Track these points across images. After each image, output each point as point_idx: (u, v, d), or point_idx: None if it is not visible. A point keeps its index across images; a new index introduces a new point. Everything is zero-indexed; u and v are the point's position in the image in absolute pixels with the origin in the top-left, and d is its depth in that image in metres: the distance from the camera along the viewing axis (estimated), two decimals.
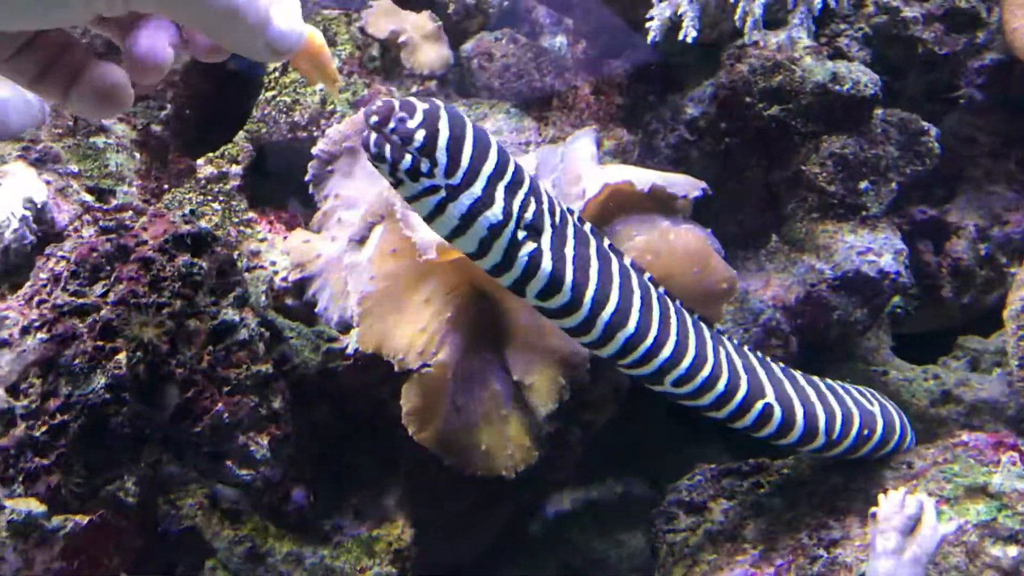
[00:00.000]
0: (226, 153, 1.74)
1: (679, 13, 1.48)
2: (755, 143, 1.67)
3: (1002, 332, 1.63)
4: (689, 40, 1.47)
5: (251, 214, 1.69)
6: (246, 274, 1.56)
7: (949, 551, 1.40)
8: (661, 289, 1.31)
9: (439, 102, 1.14)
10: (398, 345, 1.43)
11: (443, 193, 1.12)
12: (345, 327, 1.55)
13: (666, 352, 1.28)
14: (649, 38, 1.50)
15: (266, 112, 1.75)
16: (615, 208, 1.49)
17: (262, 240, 1.65)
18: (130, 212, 1.57)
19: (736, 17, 1.51)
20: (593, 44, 1.82)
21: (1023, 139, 1.84)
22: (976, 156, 1.85)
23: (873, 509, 1.39)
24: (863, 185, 1.63)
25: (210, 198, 1.68)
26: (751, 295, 1.67)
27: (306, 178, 1.68)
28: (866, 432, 1.45)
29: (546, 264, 1.18)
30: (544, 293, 1.20)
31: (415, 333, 1.43)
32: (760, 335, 1.63)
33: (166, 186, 1.75)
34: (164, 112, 1.88)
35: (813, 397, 1.41)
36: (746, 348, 1.41)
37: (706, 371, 1.31)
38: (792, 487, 1.55)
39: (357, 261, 1.55)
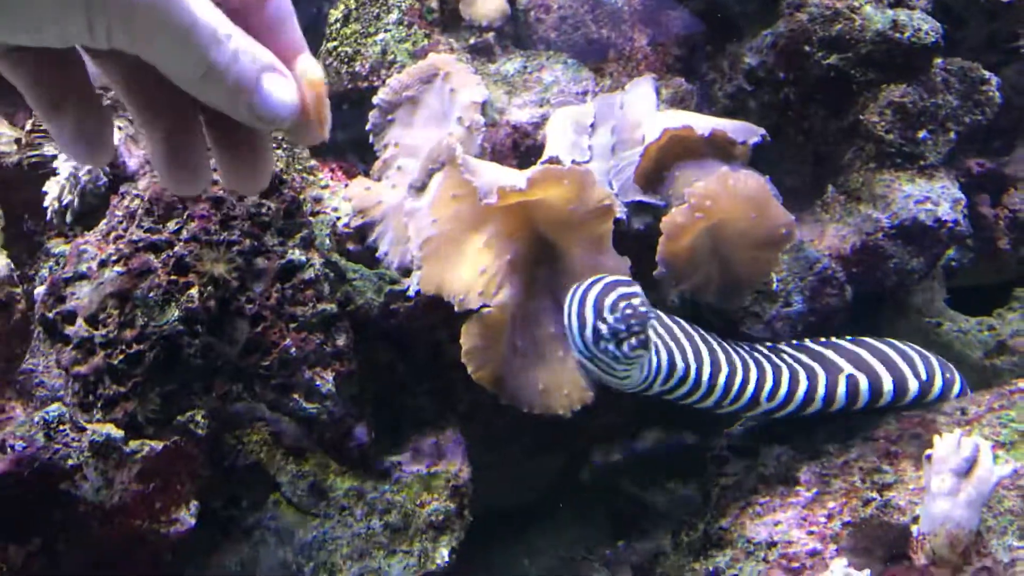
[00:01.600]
0: None
1: None
2: (814, 93, 1.67)
3: None
4: None
5: (313, 162, 1.72)
6: (311, 219, 1.60)
7: (1004, 494, 1.41)
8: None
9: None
10: (458, 286, 1.46)
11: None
12: (406, 271, 1.58)
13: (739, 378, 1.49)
14: None
15: (328, 63, 1.78)
16: (675, 154, 1.51)
17: (324, 187, 1.68)
18: None
19: None
20: None
21: None
22: None
23: (928, 451, 1.40)
24: (921, 134, 1.62)
25: (273, 145, 1.71)
26: (806, 245, 1.67)
27: (367, 127, 1.71)
28: (948, 375, 1.54)
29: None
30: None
31: (475, 275, 1.46)
32: (815, 284, 1.64)
33: None
34: None
35: (886, 355, 1.54)
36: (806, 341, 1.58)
37: (779, 377, 1.51)
38: (844, 433, 1.56)
39: (417, 207, 1.58)
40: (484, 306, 1.44)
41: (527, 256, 1.50)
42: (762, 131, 1.51)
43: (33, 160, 1.57)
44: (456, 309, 1.45)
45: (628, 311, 1.31)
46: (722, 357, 1.48)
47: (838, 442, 1.55)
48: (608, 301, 1.34)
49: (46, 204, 1.50)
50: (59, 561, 1.25)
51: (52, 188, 1.50)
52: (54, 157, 1.56)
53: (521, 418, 1.57)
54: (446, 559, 1.48)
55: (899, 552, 1.42)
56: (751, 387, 1.48)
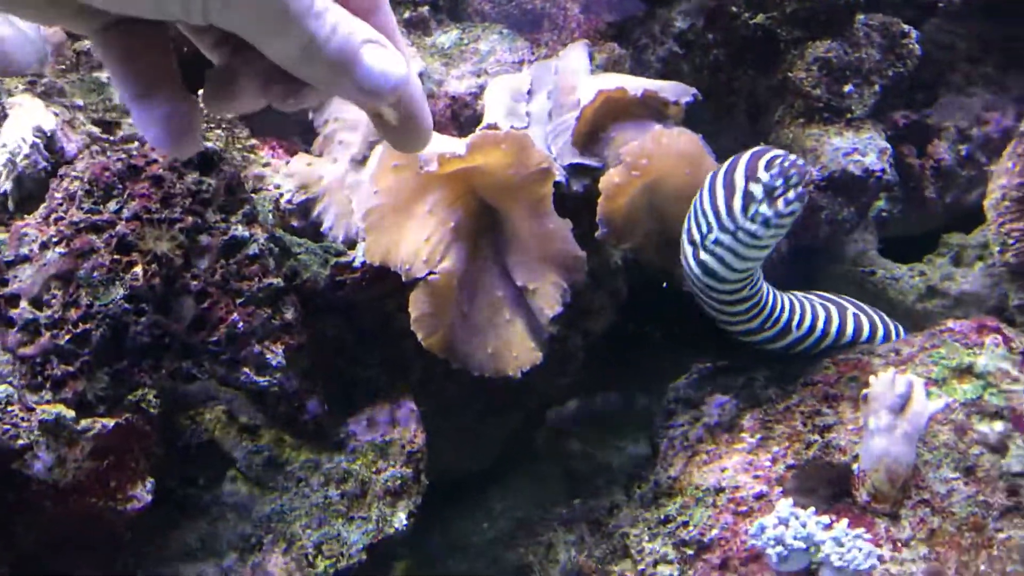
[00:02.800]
0: None
1: None
2: (742, 52, 1.71)
3: (984, 227, 1.69)
4: None
5: (253, 140, 1.73)
6: (254, 196, 1.60)
7: (939, 429, 1.47)
8: None
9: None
10: (404, 255, 1.48)
11: None
12: (351, 244, 1.60)
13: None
14: None
15: None
16: (610, 115, 1.54)
17: (265, 165, 1.69)
18: (136, 143, 1.61)
19: None
20: None
21: (1000, 43, 1.88)
22: (955, 61, 1.90)
23: (865, 391, 1.46)
24: (847, 88, 1.67)
25: (212, 125, 1.72)
26: None
27: None
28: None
29: None
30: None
31: (420, 243, 1.48)
32: None
33: None
34: None
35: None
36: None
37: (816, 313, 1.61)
38: (784, 379, 1.61)
39: (360, 179, 1.60)
40: (430, 273, 1.46)
41: (471, 222, 1.52)
42: (694, 91, 1.55)
43: None
44: (403, 278, 1.47)
45: (786, 163, 1.30)
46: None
47: (779, 388, 1.60)
48: (762, 162, 1.33)
49: None
50: (16, 543, 1.26)
51: None
52: None
53: (473, 383, 1.60)
54: (404, 523, 1.51)
55: (842, 490, 1.48)
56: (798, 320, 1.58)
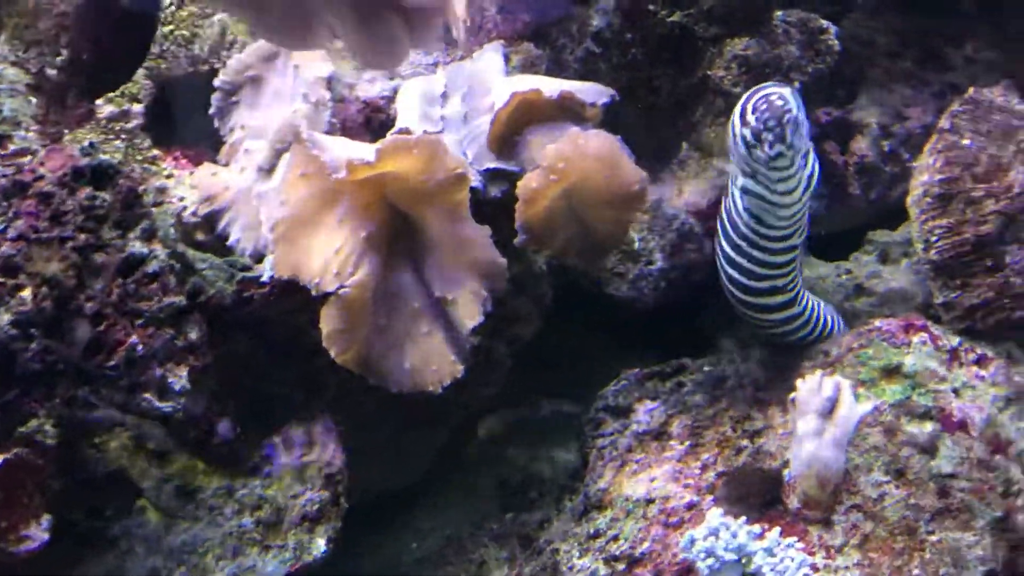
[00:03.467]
0: (126, 92, 1.69)
1: None
2: (661, 51, 1.68)
3: (908, 224, 1.68)
4: None
5: (155, 151, 1.65)
6: (154, 209, 1.53)
7: (868, 431, 1.45)
8: None
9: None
10: (314, 268, 1.41)
11: (801, 162, 1.37)
12: (259, 257, 1.53)
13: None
14: None
15: (165, 47, 1.70)
16: (526, 118, 1.49)
17: (168, 176, 1.61)
18: (29, 156, 1.52)
19: None
20: None
21: (918, 38, 1.88)
22: (875, 57, 1.89)
23: (792, 395, 1.43)
24: None
25: (112, 136, 1.63)
26: (665, 203, 1.69)
27: (210, 111, 1.65)
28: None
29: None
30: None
31: (331, 255, 1.42)
32: (675, 240, 1.66)
33: (65, 130, 1.70)
34: (60, 57, 1.81)
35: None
36: None
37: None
38: (713, 384, 1.58)
39: (267, 189, 1.53)
40: (342, 286, 1.40)
41: (384, 231, 1.46)
42: (612, 92, 1.51)
43: None
44: (313, 292, 1.40)
45: (763, 105, 1.31)
46: None
47: (708, 393, 1.57)
48: (751, 104, 1.33)
49: None
50: None
51: None
52: None
53: (393, 397, 1.54)
54: (323, 549, 1.45)
55: (774, 497, 1.46)
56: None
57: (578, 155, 1.40)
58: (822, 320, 1.60)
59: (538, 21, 1.80)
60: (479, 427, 1.99)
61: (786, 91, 1.33)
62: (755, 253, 1.47)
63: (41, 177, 1.32)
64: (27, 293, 1.25)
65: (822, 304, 1.63)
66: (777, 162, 1.32)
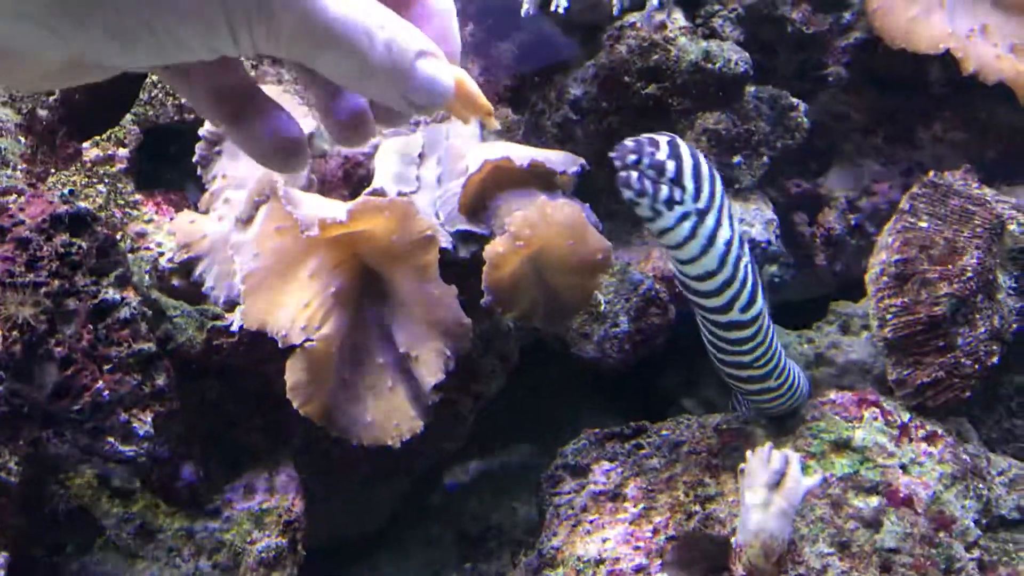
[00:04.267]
0: (112, 136, 1.73)
1: None
2: (636, 121, 1.73)
3: (868, 297, 1.72)
4: (560, 11, 1.52)
5: (137, 196, 1.69)
6: (131, 255, 1.57)
7: (815, 503, 1.48)
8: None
9: (670, 134, 1.25)
10: (282, 321, 1.45)
11: (695, 219, 1.23)
12: (232, 305, 1.56)
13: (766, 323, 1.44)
14: (523, 10, 1.55)
15: (153, 95, 1.75)
16: (496, 184, 1.53)
17: (148, 222, 1.65)
18: (14, 195, 1.57)
19: None
20: (480, 27, 1.86)
21: (890, 115, 1.93)
22: (848, 131, 1.94)
23: (742, 465, 1.46)
24: (736, 159, 1.70)
25: (95, 180, 1.67)
26: (632, 267, 1.73)
27: (194, 159, 1.69)
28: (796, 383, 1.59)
29: (751, 275, 1.34)
30: (746, 306, 1.36)
31: (299, 308, 1.45)
32: (640, 304, 1.69)
33: (52, 170, 1.74)
34: (52, 97, 1.86)
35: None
36: None
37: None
38: (670, 447, 1.61)
39: (243, 240, 1.57)
40: (307, 340, 1.44)
41: (353, 288, 1.50)
42: (582, 161, 1.55)
43: None
44: (280, 344, 1.44)
45: (622, 150, 1.21)
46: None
47: (664, 456, 1.60)
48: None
49: None
50: None
51: None
52: None
53: (358, 447, 1.57)
54: None
55: (720, 564, 1.48)
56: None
57: (544, 223, 1.44)
58: (796, 393, 1.58)
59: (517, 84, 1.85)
60: (447, 475, 2.02)
61: (663, 139, 1.22)
62: (707, 323, 1.43)
63: (20, 223, 1.36)
64: None
65: (799, 376, 1.60)
66: (638, 211, 1.24)
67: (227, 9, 0.45)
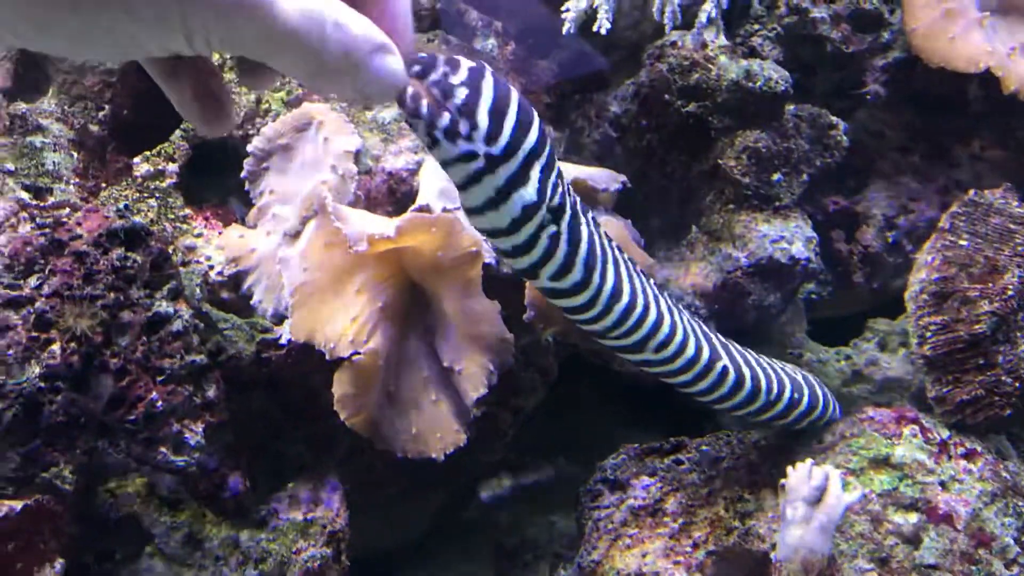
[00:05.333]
0: (162, 151, 1.77)
1: (594, 6, 1.56)
2: (675, 139, 1.75)
3: (906, 315, 1.72)
4: (603, 32, 1.55)
5: (187, 211, 1.72)
6: (181, 268, 1.60)
7: (855, 519, 1.49)
8: (635, 266, 1.34)
9: (487, 65, 1.02)
10: (330, 334, 1.48)
11: (481, 162, 1.01)
12: (280, 319, 1.59)
13: (651, 319, 1.33)
14: (564, 29, 1.58)
15: None
16: None
17: (198, 236, 1.69)
18: (67, 209, 1.60)
19: (654, 9, 1.61)
20: (522, 45, 1.89)
21: (927, 134, 1.94)
22: (885, 150, 1.95)
23: (782, 481, 1.47)
24: (775, 177, 1.71)
25: (146, 195, 1.71)
26: (672, 283, 1.74)
27: (242, 175, 1.72)
28: (796, 396, 1.54)
29: (563, 247, 1.17)
30: (557, 275, 1.20)
31: (347, 322, 1.48)
32: None
33: (103, 184, 1.79)
34: (102, 112, 1.91)
35: (753, 361, 1.51)
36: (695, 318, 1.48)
37: (679, 336, 1.37)
38: (709, 463, 1.63)
39: (291, 254, 1.60)
40: (355, 353, 1.46)
41: (399, 302, 1.53)
42: (623, 178, 1.58)
43: None
44: (328, 357, 1.47)
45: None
46: (622, 274, 1.28)
47: (704, 472, 1.62)
48: None
49: None
50: None
51: None
52: None
53: (401, 460, 1.60)
54: None
55: None
56: (638, 310, 1.30)
57: None
58: (772, 402, 1.48)
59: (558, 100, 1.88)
60: (482, 489, 2.04)
61: (468, 64, 0.98)
62: None
63: (78, 237, 1.40)
64: (56, 347, 1.32)
65: (792, 390, 1.52)
66: (416, 135, 1.09)
67: (185, 16, 0.48)
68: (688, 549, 1.54)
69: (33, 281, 1.35)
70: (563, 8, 1.62)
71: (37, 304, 1.33)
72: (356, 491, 1.65)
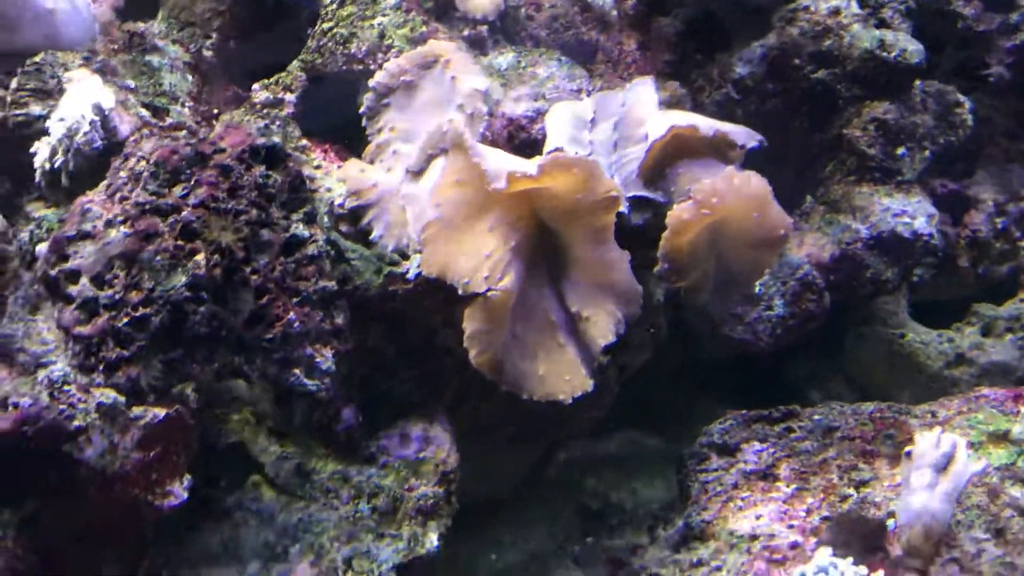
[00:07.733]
0: (280, 80, 1.75)
1: None
2: (800, 105, 1.73)
3: (1015, 299, 1.72)
4: None
5: (305, 141, 1.70)
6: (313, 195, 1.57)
7: (972, 491, 1.48)
8: None
9: None
10: (463, 269, 1.45)
11: None
12: (401, 254, 1.57)
13: None
14: None
15: (322, 43, 1.76)
16: (677, 152, 1.54)
17: (317, 167, 1.66)
18: (184, 131, 1.57)
19: None
20: (643, 1, 1.87)
21: None
22: (993, 135, 1.94)
23: (908, 448, 1.46)
24: (900, 151, 1.70)
25: (268, 122, 1.69)
26: (788, 251, 1.73)
27: (360, 110, 1.70)
28: None
29: None
30: None
31: (481, 259, 1.46)
32: (797, 289, 1.69)
33: (215, 110, 1.76)
34: (210, 40, 1.88)
35: None
36: None
37: None
38: (823, 432, 1.61)
39: (416, 191, 1.58)
40: (490, 289, 1.44)
41: (530, 244, 1.51)
42: (760, 137, 1.56)
43: (18, 119, 1.50)
44: (460, 292, 1.44)
45: None
46: None
47: (816, 441, 1.60)
48: None
49: (36, 164, 1.44)
50: (43, 533, 1.19)
51: (42, 149, 1.44)
52: (41, 117, 1.49)
53: (508, 408, 1.58)
54: (436, 544, 1.47)
55: (875, 544, 1.48)
56: None
57: (732, 193, 1.44)
58: None
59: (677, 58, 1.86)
60: (561, 451, 2.02)
61: None
62: None
63: (222, 150, 1.37)
64: (201, 258, 1.29)
65: None
66: None
67: None
68: (802, 514, 1.52)
69: (179, 190, 1.32)
70: None
71: (184, 213, 1.30)
72: (461, 436, 1.63)
